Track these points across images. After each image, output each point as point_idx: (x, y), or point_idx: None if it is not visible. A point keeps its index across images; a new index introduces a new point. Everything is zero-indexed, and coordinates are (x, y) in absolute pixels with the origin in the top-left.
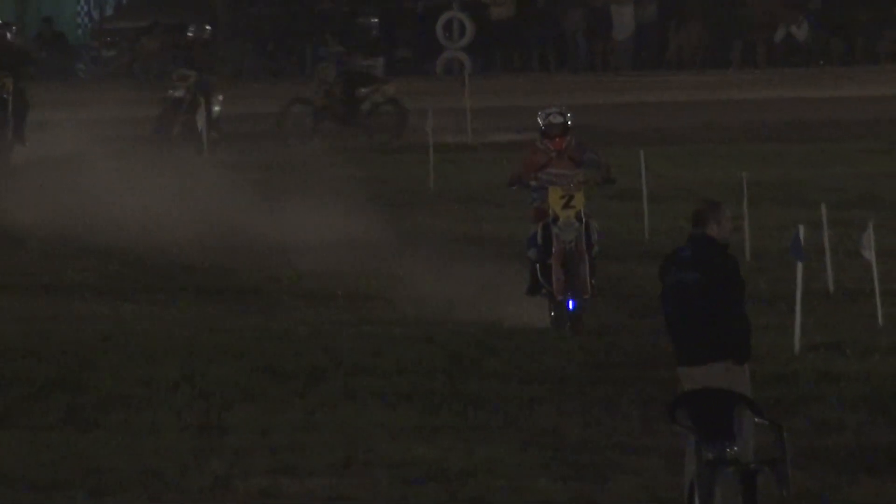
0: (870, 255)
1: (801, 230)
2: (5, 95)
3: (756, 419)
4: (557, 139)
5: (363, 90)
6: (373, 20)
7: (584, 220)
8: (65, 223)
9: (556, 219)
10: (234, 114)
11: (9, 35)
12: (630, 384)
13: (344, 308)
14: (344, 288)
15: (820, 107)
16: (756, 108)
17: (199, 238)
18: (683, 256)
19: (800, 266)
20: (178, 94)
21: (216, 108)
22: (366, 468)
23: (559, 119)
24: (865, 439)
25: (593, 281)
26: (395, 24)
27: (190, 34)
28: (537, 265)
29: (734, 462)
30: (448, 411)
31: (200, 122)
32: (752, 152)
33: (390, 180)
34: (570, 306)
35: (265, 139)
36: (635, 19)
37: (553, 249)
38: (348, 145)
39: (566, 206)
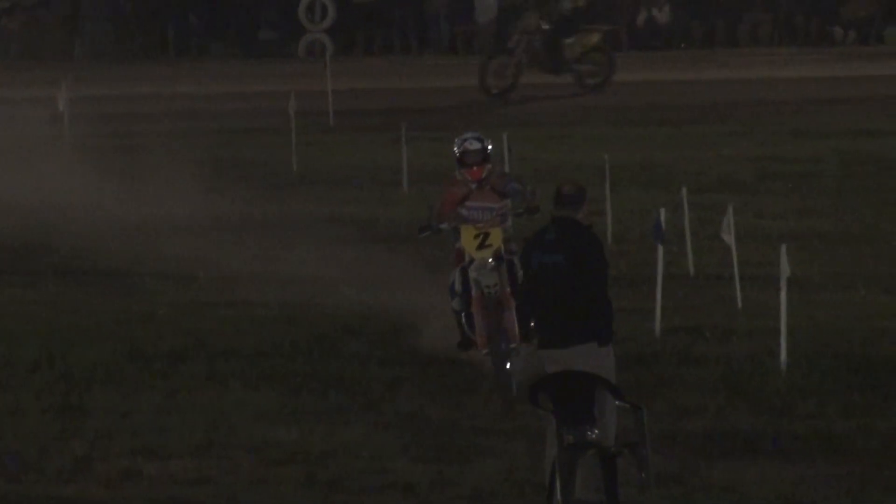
0: (729, 238)
1: (662, 213)
2: None
3: (616, 402)
4: (475, 168)
5: None
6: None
7: (504, 260)
8: None
9: (472, 261)
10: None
11: None
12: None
13: (206, 290)
14: (206, 270)
15: (681, 89)
16: (618, 91)
17: (59, 219)
18: (548, 239)
19: (660, 249)
20: None
21: None
22: (227, 450)
23: (476, 145)
24: (724, 422)
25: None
26: (258, 6)
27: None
28: (462, 315)
29: (595, 445)
30: (309, 393)
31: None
32: (614, 135)
33: (253, 162)
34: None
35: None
36: (498, 3)
37: (472, 296)
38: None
39: (482, 245)
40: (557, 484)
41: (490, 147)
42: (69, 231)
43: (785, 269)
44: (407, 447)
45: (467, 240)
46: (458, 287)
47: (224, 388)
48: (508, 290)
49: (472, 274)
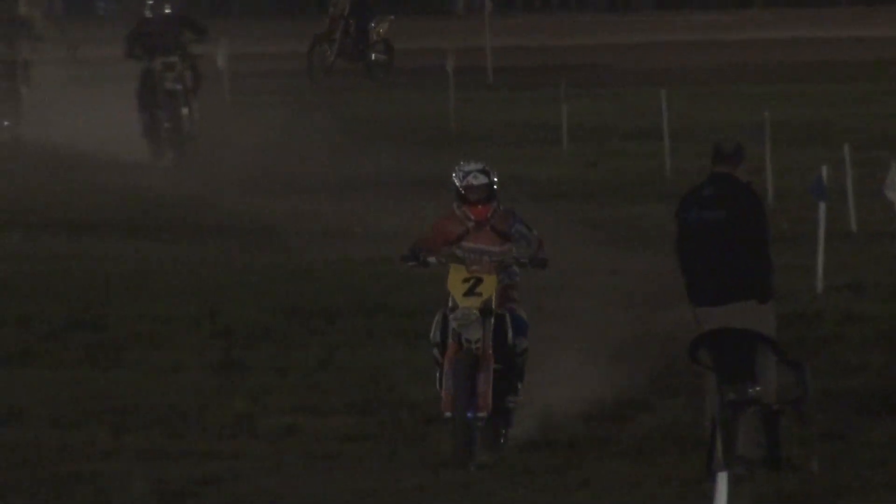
0: (892, 195)
1: (824, 170)
2: (178, 86)
3: (777, 359)
4: (480, 207)
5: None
6: None
7: (493, 315)
8: (85, 161)
9: (452, 310)
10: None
11: (168, 8)
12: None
13: (363, 246)
14: (363, 227)
15: (842, 46)
16: (778, 48)
17: (220, 178)
18: (705, 195)
19: (822, 206)
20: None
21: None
22: (386, 407)
23: (481, 179)
24: (886, 380)
25: (514, 401)
26: None
27: None
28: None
29: (756, 402)
30: None
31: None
32: (775, 92)
33: (411, 120)
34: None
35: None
36: None
37: (447, 347)
38: (364, 84)
39: (470, 292)
40: (718, 441)
41: (496, 181)
42: (229, 189)
43: None
44: (570, 403)
45: (455, 282)
46: (433, 334)
47: (382, 345)
48: (491, 350)
49: (452, 322)
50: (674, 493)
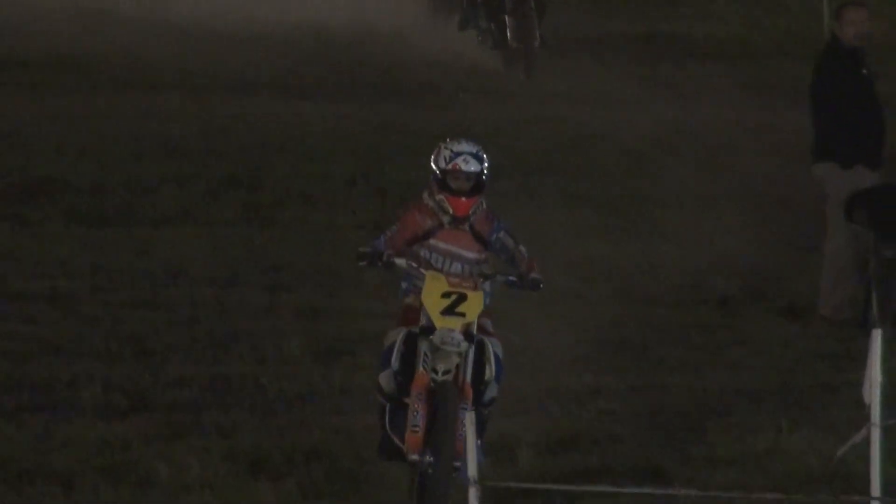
0: None
1: None
2: None
3: None
4: (463, 199)
5: None
6: None
7: (476, 341)
8: (245, 19)
9: (429, 329)
10: None
11: None
12: None
13: (522, 108)
14: (518, 85)
15: None
16: None
17: (374, 35)
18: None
19: None
20: None
21: None
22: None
23: (474, 166)
24: None
25: (480, 442)
26: None
27: None
28: (387, 405)
29: None
30: (623, 213)
31: None
32: None
33: None
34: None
35: None
36: None
37: (415, 376)
38: None
39: (450, 310)
40: (874, 299)
41: (487, 171)
42: (380, 49)
43: None
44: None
45: (431, 295)
46: (394, 359)
47: (542, 205)
48: (469, 380)
49: (422, 346)
50: (828, 350)
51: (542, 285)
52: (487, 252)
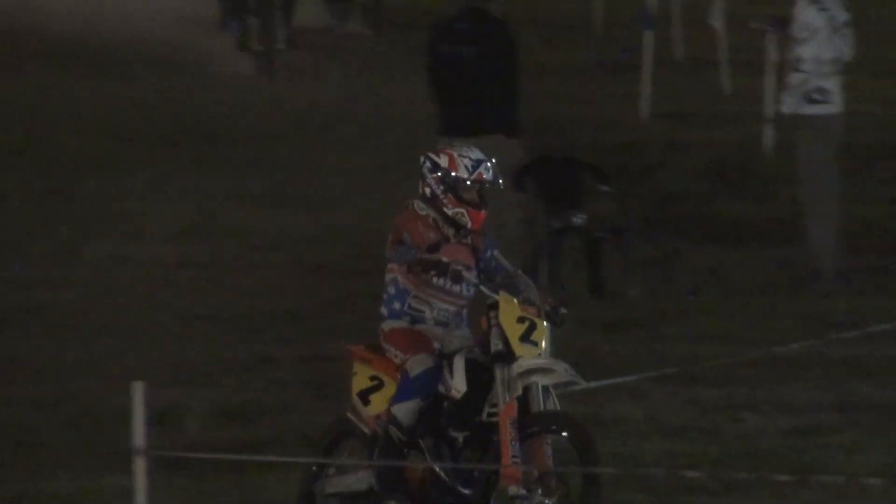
0: (718, 23)
1: None
2: None
3: (602, 187)
4: (483, 212)
5: None
6: None
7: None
8: None
9: (501, 356)
10: None
11: None
12: None
13: (193, 76)
14: (190, 54)
15: None
16: None
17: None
18: (460, 28)
19: (648, 34)
20: None
21: None
22: (212, 235)
23: (493, 175)
24: (709, 207)
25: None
26: None
27: None
28: (398, 440)
29: (579, 230)
30: (292, 181)
31: None
32: None
33: None
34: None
35: None
36: None
37: (500, 404)
38: None
39: (526, 338)
40: (545, 267)
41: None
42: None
43: (771, 55)
44: None
45: (509, 319)
46: (456, 381)
47: (211, 172)
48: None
49: (499, 374)
50: None
51: (566, 321)
52: (479, 267)
